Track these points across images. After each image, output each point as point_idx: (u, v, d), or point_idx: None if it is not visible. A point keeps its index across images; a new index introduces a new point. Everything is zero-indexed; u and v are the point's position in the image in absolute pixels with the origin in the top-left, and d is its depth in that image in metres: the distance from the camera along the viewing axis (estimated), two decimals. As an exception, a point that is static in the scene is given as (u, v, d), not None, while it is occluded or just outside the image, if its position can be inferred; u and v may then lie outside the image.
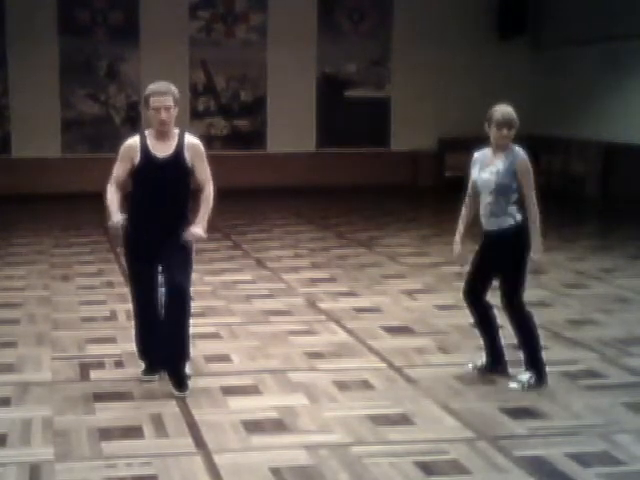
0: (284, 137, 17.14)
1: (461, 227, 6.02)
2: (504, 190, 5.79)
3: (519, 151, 5.86)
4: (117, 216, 5.67)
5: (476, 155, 5.97)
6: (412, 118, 17.34)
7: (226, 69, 17.04)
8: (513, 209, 5.83)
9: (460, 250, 6.02)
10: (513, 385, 5.89)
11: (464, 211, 6.04)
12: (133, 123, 16.46)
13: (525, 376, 5.93)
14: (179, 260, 5.70)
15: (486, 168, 5.85)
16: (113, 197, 5.71)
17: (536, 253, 5.90)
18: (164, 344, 5.81)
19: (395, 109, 17.60)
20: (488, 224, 5.91)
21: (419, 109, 17.34)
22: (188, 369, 5.88)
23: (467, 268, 6.17)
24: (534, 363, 5.96)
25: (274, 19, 16.96)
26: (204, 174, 5.75)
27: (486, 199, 5.86)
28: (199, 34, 16.89)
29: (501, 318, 6.17)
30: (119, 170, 5.74)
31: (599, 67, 15.64)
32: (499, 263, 5.92)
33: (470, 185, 5.99)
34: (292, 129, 17.12)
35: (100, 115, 16.67)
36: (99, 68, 16.60)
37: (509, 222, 5.85)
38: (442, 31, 17.25)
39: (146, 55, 16.44)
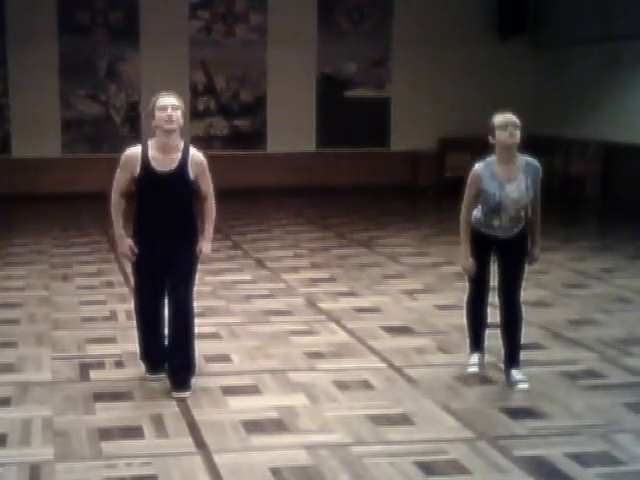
0: (284, 137, 17.12)
1: (468, 240, 5.88)
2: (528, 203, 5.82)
3: (532, 160, 5.84)
4: (125, 244, 5.77)
5: (479, 168, 5.76)
6: (412, 118, 17.33)
7: (226, 69, 17.02)
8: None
9: (472, 263, 5.89)
10: (524, 386, 5.87)
11: (467, 225, 5.88)
12: (133, 123, 16.47)
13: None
14: (183, 277, 5.78)
15: (507, 185, 5.69)
16: (118, 215, 5.75)
17: (537, 249, 5.97)
18: (170, 358, 5.86)
19: (395, 109, 17.58)
20: (507, 233, 5.83)
21: (419, 109, 17.33)
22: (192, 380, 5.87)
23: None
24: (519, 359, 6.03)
25: (274, 19, 16.95)
26: (207, 186, 5.78)
27: (511, 214, 5.77)
28: (199, 34, 16.88)
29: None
30: (120, 180, 5.75)
31: (599, 67, 15.64)
32: (514, 261, 5.90)
33: (472, 198, 5.80)
34: (292, 129, 17.11)
35: (100, 115, 16.66)
36: (99, 68, 16.58)
37: (522, 228, 5.89)
38: (442, 31, 17.23)
39: (146, 55, 16.43)
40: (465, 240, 5.90)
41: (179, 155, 5.64)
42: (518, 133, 5.66)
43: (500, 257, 5.94)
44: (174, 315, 5.78)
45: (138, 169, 5.63)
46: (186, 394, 5.68)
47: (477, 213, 5.88)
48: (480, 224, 5.87)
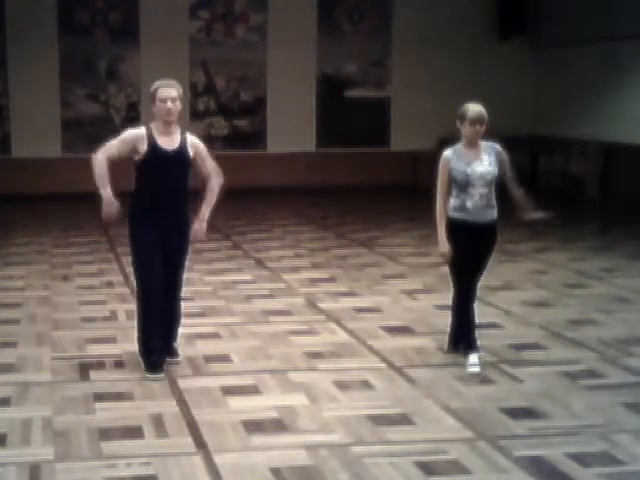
0: (284, 137, 17.13)
1: (443, 225, 6.31)
2: (495, 181, 6.21)
3: (493, 143, 6.28)
4: (112, 205, 5.92)
5: (448, 153, 6.27)
6: (412, 118, 17.34)
7: (226, 69, 17.04)
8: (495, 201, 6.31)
9: (449, 246, 6.27)
10: (475, 369, 6.13)
11: (442, 209, 6.33)
12: (133, 123, 16.40)
13: (477, 356, 6.24)
14: (180, 263, 6.14)
15: (473, 163, 6.17)
16: (105, 175, 5.91)
17: (538, 212, 6.31)
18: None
19: (395, 109, 17.60)
20: (483, 215, 6.24)
21: (419, 109, 17.34)
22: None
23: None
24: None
25: (274, 19, 16.96)
26: (210, 166, 6.09)
27: (480, 191, 6.20)
28: (199, 34, 16.90)
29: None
30: (117, 149, 5.94)
31: (599, 67, 15.64)
32: (488, 252, 6.33)
33: (445, 182, 6.29)
34: (292, 129, 17.12)
35: (100, 115, 16.67)
36: (99, 68, 16.60)
37: (496, 213, 6.29)
38: (442, 31, 17.26)
39: (146, 55, 16.44)
40: (440, 225, 6.32)
41: (178, 136, 5.98)
42: (483, 128, 6.14)
43: (473, 245, 6.22)
44: (170, 296, 6.12)
45: (145, 147, 5.90)
46: (179, 359, 6.28)
47: (451, 200, 6.28)
48: (455, 209, 6.26)
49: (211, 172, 6.08)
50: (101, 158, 5.91)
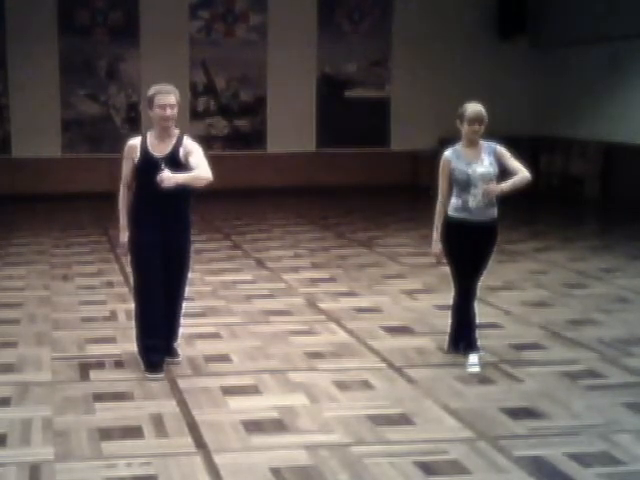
0: (284, 137, 17.13)
1: (439, 225, 6.37)
2: (496, 180, 6.22)
3: (492, 143, 6.30)
4: (122, 237, 6.12)
5: (448, 153, 6.30)
6: (412, 118, 17.34)
7: (226, 69, 17.03)
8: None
9: (440, 248, 6.36)
10: (475, 369, 6.14)
11: (442, 209, 6.38)
12: (133, 123, 16.47)
13: (477, 356, 6.25)
14: (179, 266, 6.12)
15: (474, 163, 6.19)
16: (123, 208, 6.08)
17: (504, 185, 6.21)
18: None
19: (395, 109, 17.60)
20: (484, 214, 6.25)
21: (419, 109, 17.34)
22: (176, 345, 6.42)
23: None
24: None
25: (274, 19, 16.96)
26: (195, 159, 5.80)
27: (480, 190, 6.19)
28: (199, 34, 16.89)
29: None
30: (124, 170, 6.07)
31: (599, 67, 15.64)
32: (488, 251, 6.34)
33: (446, 182, 6.31)
34: (292, 129, 17.12)
35: (100, 115, 16.67)
36: (99, 68, 16.60)
37: (496, 212, 6.32)
38: (442, 31, 17.25)
39: (146, 55, 16.44)
40: (437, 225, 6.38)
41: (173, 141, 5.93)
42: (482, 128, 6.18)
43: (473, 244, 6.23)
44: (171, 296, 6.12)
45: (138, 156, 5.93)
46: (179, 359, 6.29)
47: (453, 200, 6.31)
48: (457, 209, 6.28)
49: (196, 166, 5.79)
50: (120, 193, 6.08)
